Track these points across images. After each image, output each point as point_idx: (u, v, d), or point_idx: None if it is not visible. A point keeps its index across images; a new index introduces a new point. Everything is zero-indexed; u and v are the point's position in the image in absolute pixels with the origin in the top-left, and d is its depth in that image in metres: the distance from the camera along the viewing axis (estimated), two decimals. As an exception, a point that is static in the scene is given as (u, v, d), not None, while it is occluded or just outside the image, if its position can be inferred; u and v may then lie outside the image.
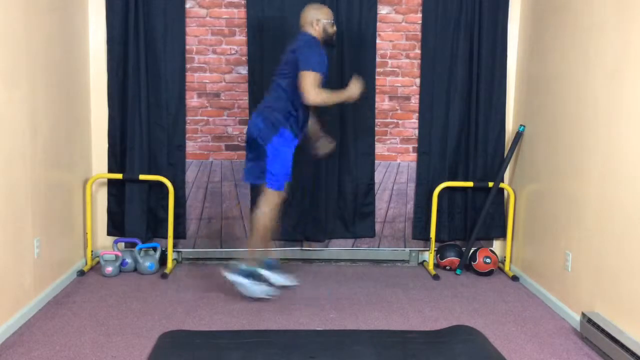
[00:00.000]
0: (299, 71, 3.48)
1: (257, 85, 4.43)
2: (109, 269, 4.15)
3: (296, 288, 3.98)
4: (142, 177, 4.35)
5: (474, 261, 4.43)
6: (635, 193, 2.88)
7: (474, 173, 4.58)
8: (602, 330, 2.97)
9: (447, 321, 3.46)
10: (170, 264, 4.38)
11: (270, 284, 3.79)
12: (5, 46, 3.04)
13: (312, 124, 3.92)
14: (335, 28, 3.70)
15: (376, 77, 4.52)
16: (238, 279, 3.68)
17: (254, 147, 3.63)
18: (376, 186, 4.64)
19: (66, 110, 3.94)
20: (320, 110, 3.99)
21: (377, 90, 4.54)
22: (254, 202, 4.54)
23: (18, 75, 3.20)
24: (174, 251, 4.53)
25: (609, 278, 3.10)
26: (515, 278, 4.33)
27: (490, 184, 4.48)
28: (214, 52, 4.46)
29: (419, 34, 4.52)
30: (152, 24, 4.32)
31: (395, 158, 4.64)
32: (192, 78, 4.47)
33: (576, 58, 3.53)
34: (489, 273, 4.43)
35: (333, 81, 4.43)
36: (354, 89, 3.65)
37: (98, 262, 4.36)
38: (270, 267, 3.88)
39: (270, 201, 3.65)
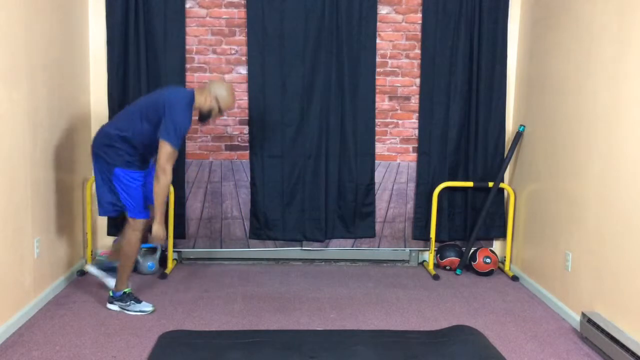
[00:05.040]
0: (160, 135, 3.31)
1: (257, 85, 4.43)
2: (109, 269, 4.15)
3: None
4: (142, 177, 4.34)
5: (474, 261, 4.43)
6: (635, 193, 2.88)
7: (474, 173, 4.58)
8: (602, 330, 2.96)
9: (447, 321, 3.46)
10: (170, 264, 4.38)
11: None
12: (5, 46, 3.04)
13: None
14: (219, 115, 3.49)
15: (376, 77, 4.52)
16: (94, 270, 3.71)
17: None
18: (376, 186, 4.63)
19: (66, 111, 3.94)
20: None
21: (377, 90, 4.54)
22: (253, 203, 4.55)
23: (18, 75, 3.20)
24: (174, 251, 4.53)
25: (609, 278, 3.10)
26: (515, 278, 4.33)
27: (490, 184, 4.48)
28: (214, 52, 4.46)
29: (419, 34, 4.52)
30: (152, 24, 4.32)
31: (395, 158, 4.64)
32: (192, 78, 4.47)
33: (576, 58, 3.53)
34: (489, 273, 4.43)
35: (333, 82, 4.45)
36: (157, 231, 3.41)
37: (98, 262, 4.36)
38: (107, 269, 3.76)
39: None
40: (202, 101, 3.43)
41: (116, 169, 3.41)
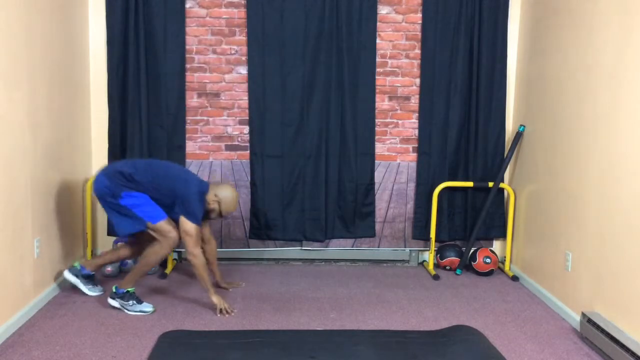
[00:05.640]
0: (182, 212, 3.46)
1: (257, 85, 4.44)
2: (109, 269, 4.15)
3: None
4: (142, 177, 4.35)
5: (474, 261, 4.43)
6: (635, 193, 2.88)
7: (474, 173, 4.58)
8: (602, 330, 2.96)
9: (447, 321, 3.46)
10: (170, 264, 4.38)
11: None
12: (5, 46, 3.04)
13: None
14: (219, 217, 3.62)
15: (376, 77, 4.52)
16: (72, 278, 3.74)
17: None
18: (376, 186, 4.64)
19: (66, 110, 3.94)
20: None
21: (377, 90, 4.54)
22: (253, 203, 4.55)
23: (18, 75, 3.20)
24: (174, 251, 4.52)
25: (609, 278, 3.10)
26: (515, 278, 4.33)
27: (490, 184, 4.48)
28: (214, 52, 4.46)
29: (419, 34, 4.52)
30: (152, 24, 4.32)
31: (395, 158, 4.64)
32: (192, 78, 4.47)
33: (576, 58, 3.53)
34: (489, 273, 4.43)
35: (333, 82, 4.45)
36: (216, 301, 3.52)
37: (98, 262, 4.35)
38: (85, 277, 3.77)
39: None
40: (208, 199, 3.55)
41: (123, 192, 3.47)
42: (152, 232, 3.50)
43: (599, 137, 3.23)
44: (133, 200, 3.47)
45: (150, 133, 4.41)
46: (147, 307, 3.50)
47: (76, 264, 3.75)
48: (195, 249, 3.44)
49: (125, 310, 3.49)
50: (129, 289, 3.52)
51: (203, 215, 3.59)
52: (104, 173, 3.51)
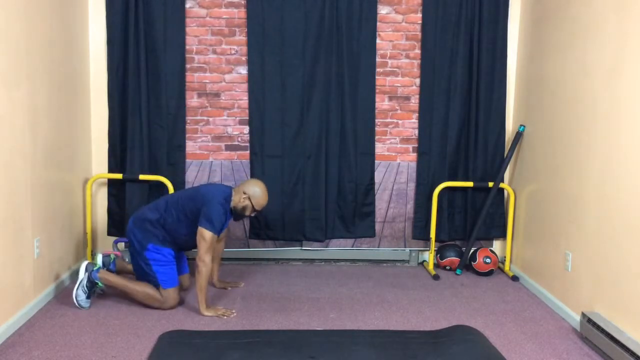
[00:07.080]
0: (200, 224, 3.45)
1: (257, 85, 4.44)
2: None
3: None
4: (142, 177, 4.35)
5: (474, 261, 4.43)
6: (635, 193, 2.88)
7: (474, 173, 4.58)
8: (602, 330, 2.97)
9: (447, 321, 3.46)
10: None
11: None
12: (5, 46, 3.04)
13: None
14: (253, 215, 3.62)
15: (376, 77, 4.52)
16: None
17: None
18: (376, 186, 4.64)
19: (66, 110, 3.94)
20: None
21: (377, 90, 4.54)
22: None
23: (18, 75, 3.20)
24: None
25: (609, 278, 3.10)
26: (515, 278, 4.33)
27: (490, 184, 4.48)
28: (214, 52, 4.46)
29: (419, 34, 4.52)
30: (152, 24, 4.32)
31: (395, 158, 4.64)
32: (192, 78, 4.47)
33: (576, 58, 3.53)
34: (489, 273, 4.43)
35: (333, 82, 4.45)
36: (205, 312, 3.48)
37: (98, 262, 4.35)
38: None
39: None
40: (237, 200, 3.56)
41: (150, 244, 3.54)
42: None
43: (598, 137, 3.23)
44: (157, 256, 3.54)
45: (150, 133, 4.41)
46: (85, 303, 3.53)
47: (98, 265, 3.72)
48: (206, 255, 3.43)
49: (74, 288, 3.53)
50: (100, 284, 3.58)
51: (238, 217, 3.62)
52: (135, 223, 3.59)
